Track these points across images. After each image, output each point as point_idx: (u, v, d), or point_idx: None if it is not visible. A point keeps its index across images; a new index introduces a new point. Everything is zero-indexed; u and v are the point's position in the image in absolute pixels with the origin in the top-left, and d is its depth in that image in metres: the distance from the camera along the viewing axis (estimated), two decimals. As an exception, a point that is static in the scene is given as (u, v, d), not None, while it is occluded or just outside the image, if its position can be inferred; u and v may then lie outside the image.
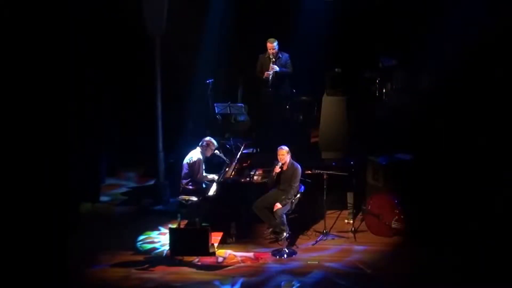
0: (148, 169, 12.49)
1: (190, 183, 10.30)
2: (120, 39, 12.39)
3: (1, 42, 8.40)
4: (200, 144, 10.36)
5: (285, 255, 9.67)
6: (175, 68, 12.33)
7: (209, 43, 12.85)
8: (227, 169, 10.47)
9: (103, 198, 11.81)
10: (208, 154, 10.39)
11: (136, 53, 12.28)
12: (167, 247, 9.86)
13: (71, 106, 11.65)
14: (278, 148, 10.00)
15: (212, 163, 10.96)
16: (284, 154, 9.92)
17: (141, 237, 10.39)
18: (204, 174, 10.38)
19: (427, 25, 11.73)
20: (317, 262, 9.50)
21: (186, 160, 10.30)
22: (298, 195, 10.04)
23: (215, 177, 10.47)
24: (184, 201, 10.26)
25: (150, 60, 11.53)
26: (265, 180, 10.23)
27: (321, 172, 10.14)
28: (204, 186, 10.40)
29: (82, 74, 11.54)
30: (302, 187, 10.13)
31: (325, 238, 10.13)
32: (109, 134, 12.58)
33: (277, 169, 9.95)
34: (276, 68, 11.50)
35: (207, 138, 10.38)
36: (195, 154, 10.29)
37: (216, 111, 12.20)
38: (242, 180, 10.36)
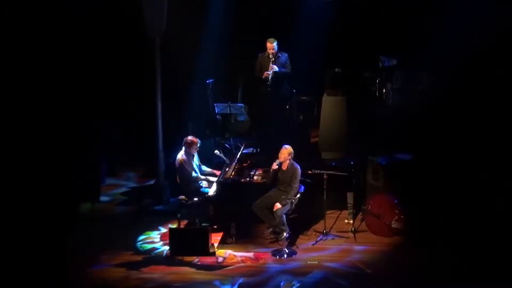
0: (148, 169, 12.50)
1: (185, 184, 10.29)
2: (120, 39, 12.40)
3: (1, 42, 8.41)
4: (183, 142, 10.33)
5: (285, 255, 9.67)
6: (175, 68, 12.34)
7: (209, 43, 12.87)
8: (227, 169, 10.46)
9: (103, 198, 11.81)
10: (193, 152, 10.36)
11: (136, 53, 12.29)
12: (167, 247, 9.87)
13: (71, 106, 11.67)
14: (283, 146, 10.02)
15: (212, 163, 10.97)
16: (285, 153, 9.91)
17: (141, 237, 10.40)
18: (195, 174, 10.35)
19: (427, 25, 11.74)
20: (317, 262, 9.50)
21: (176, 161, 10.33)
22: (298, 195, 10.04)
23: (211, 178, 10.45)
24: (184, 201, 10.26)
25: (150, 60, 11.53)
26: (265, 180, 10.23)
27: (321, 172, 10.14)
28: (202, 186, 10.40)
29: (82, 74, 11.53)
30: (302, 187, 10.13)
31: (325, 238, 10.13)
32: (109, 134, 12.59)
33: (275, 166, 9.94)
34: (276, 68, 11.51)
35: (189, 138, 10.31)
36: (179, 155, 10.28)
37: (216, 111, 12.20)
38: (242, 180, 10.36)
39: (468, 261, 9.22)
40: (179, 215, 10.19)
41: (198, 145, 10.30)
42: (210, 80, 12.24)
